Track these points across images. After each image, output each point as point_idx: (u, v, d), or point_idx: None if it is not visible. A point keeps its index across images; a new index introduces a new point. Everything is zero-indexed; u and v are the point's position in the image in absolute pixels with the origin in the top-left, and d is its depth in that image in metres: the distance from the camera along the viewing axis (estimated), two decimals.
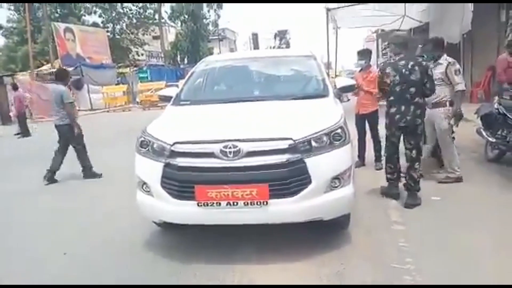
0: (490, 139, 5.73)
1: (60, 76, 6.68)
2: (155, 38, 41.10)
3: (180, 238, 3.83)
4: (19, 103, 14.10)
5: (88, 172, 6.55)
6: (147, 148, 3.42)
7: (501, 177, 5.18)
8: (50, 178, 6.40)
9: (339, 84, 4.51)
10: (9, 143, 12.65)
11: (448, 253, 3.26)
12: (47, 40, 27.73)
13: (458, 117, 4.91)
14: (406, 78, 4.34)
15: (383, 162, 5.07)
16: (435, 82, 4.87)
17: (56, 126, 6.40)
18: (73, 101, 6.54)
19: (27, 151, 10.58)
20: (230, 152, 3.09)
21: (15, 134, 13.82)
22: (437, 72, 4.93)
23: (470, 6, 9.62)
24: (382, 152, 5.32)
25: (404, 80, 4.35)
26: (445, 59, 4.99)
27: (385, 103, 4.68)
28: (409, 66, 4.32)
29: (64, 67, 14.75)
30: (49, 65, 27.10)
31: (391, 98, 4.48)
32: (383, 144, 5.16)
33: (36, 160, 7.74)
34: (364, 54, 6.30)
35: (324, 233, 3.63)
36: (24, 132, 13.86)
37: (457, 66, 4.94)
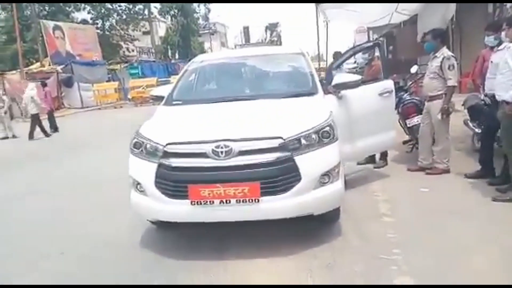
0: (476, 130, 5.84)
1: None
2: (145, 33, 40.82)
3: (174, 236, 3.91)
4: (48, 100, 14.05)
5: None
6: (140, 149, 3.48)
7: None
8: None
9: (335, 81, 4.43)
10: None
11: (434, 244, 3.37)
12: (36, 38, 27.48)
13: (445, 112, 4.98)
14: None
15: None
16: (431, 75, 4.98)
17: None
18: None
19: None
20: (222, 152, 3.16)
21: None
22: (434, 65, 4.99)
23: None
24: None
25: None
26: (442, 52, 4.99)
27: None
28: None
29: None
30: (39, 63, 26.88)
31: None
32: None
33: None
34: (369, 48, 6.15)
35: (315, 226, 3.74)
36: (54, 128, 13.81)
37: (452, 61, 4.89)
